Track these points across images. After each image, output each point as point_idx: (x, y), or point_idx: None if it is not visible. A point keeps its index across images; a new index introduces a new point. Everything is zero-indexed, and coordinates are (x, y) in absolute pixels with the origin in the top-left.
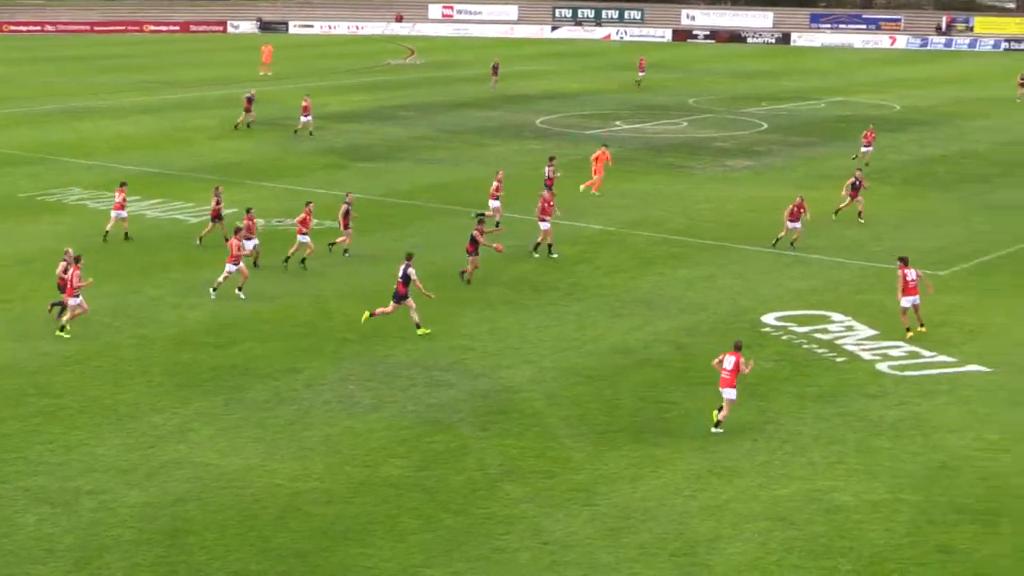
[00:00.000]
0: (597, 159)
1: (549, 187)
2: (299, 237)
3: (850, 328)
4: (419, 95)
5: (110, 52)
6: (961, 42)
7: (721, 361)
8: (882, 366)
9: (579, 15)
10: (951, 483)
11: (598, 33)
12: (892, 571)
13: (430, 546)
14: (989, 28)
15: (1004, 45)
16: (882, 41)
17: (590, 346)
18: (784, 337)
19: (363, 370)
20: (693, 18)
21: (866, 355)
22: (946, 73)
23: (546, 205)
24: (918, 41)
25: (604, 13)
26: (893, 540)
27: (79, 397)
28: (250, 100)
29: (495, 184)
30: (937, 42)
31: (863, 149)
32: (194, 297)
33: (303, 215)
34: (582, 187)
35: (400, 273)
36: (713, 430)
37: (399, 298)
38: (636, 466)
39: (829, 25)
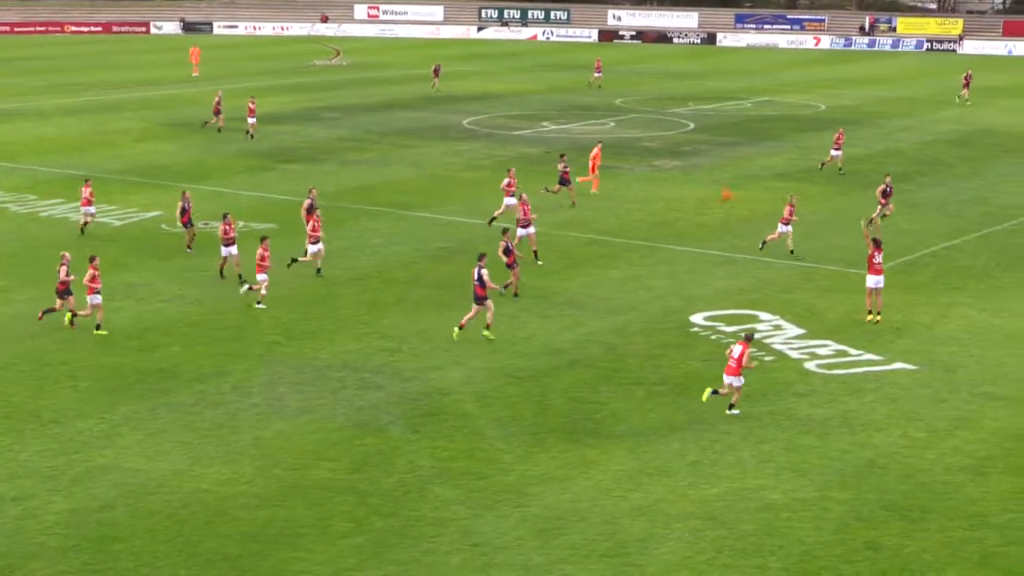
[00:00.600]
0: (594, 157)
1: (566, 182)
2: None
3: (778, 327)
4: (345, 96)
5: (30, 54)
6: (884, 42)
7: (731, 351)
8: (810, 365)
9: (505, 16)
10: (879, 480)
11: (524, 33)
12: (821, 569)
13: (361, 549)
14: (911, 28)
15: (926, 45)
16: (806, 41)
17: (520, 347)
18: (713, 337)
19: (292, 373)
20: (619, 19)
21: (794, 354)
22: (870, 73)
23: (527, 208)
24: (842, 41)
25: (530, 14)
26: (822, 538)
27: (1, 403)
28: (219, 103)
29: (507, 180)
30: (861, 42)
31: (833, 152)
32: (118, 300)
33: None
34: (579, 179)
35: (475, 276)
36: (728, 411)
37: (479, 300)
38: (567, 467)
39: (754, 25)
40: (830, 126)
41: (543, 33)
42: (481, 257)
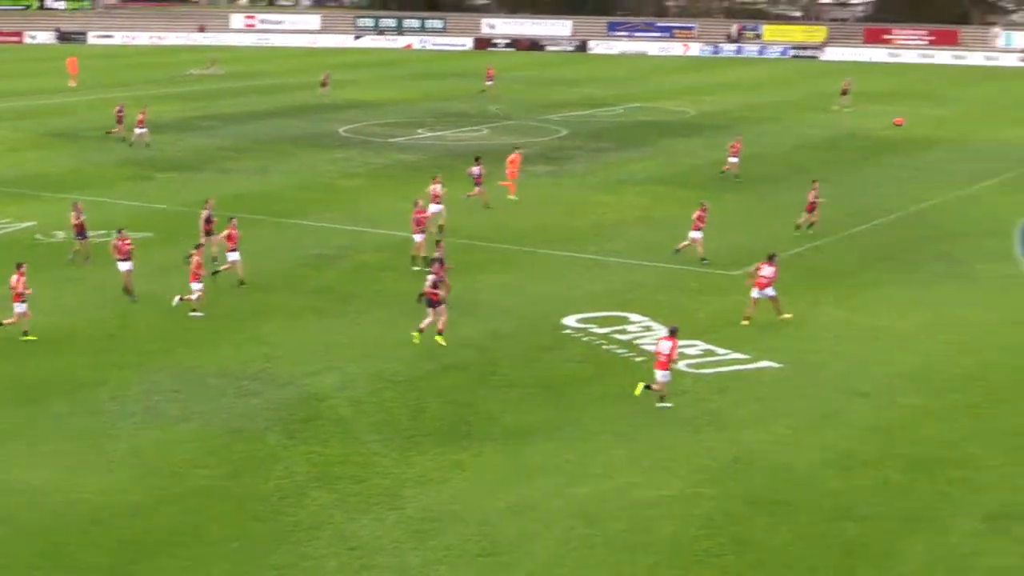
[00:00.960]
0: (512, 162)
1: (479, 185)
2: (228, 255)
3: (648, 328)
4: (223, 105)
5: None
6: (751, 49)
7: (659, 347)
8: (679, 365)
9: (381, 25)
10: (745, 476)
11: (400, 42)
12: (690, 563)
13: (238, 554)
14: (777, 36)
15: (791, 52)
16: (676, 49)
17: (396, 352)
18: (585, 339)
19: (170, 381)
20: (493, 27)
21: None
22: (737, 79)
23: (420, 217)
24: (710, 48)
25: (406, 22)
26: (690, 533)
27: None
28: (120, 111)
29: (432, 187)
30: (728, 49)
31: (730, 160)
32: None
33: (228, 230)
34: (500, 184)
35: (428, 283)
36: (659, 405)
37: (432, 304)
38: (442, 469)
39: (625, 33)
40: (699, 131)
41: (419, 42)
42: (432, 263)
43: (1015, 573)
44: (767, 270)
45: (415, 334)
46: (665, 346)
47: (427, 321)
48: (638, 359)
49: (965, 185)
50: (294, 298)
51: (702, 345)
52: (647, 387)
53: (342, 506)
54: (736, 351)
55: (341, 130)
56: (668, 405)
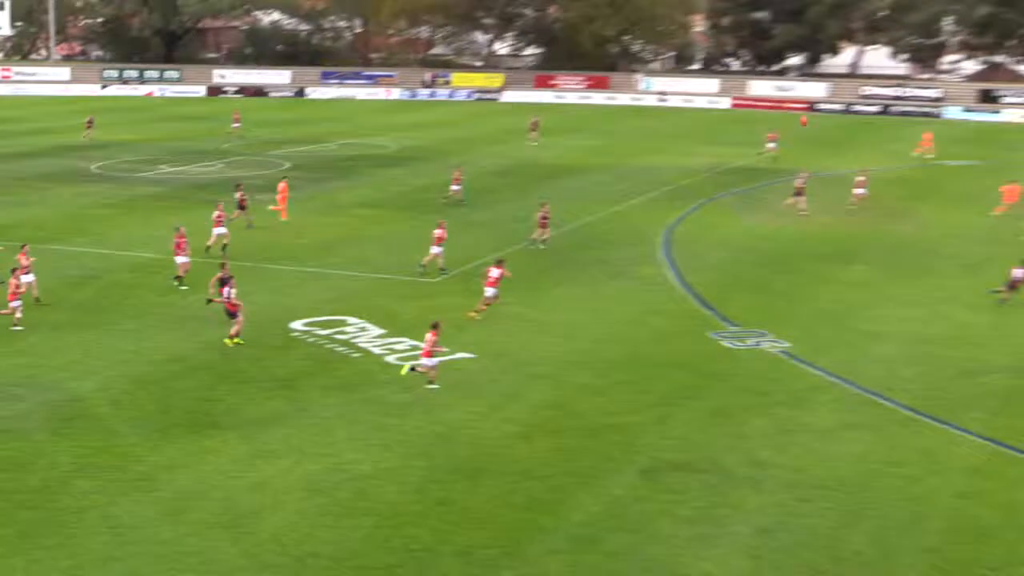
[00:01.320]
0: (282, 190)
1: (243, 207)
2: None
3: (363, 329)
4: None
5: None
6: (442, 93)
7: (427, 338)
8: (390, 358)
9: (125, 75)
10: (448, 449)
11: (142, 90)
12: (404, 524)
13: (8, 539)
14: (463, 82)
15: (475, 95)
16: (380, 93)
17: (148, 356)
18: (310, 340)
19: None
20: (224, 76)
21: (377, 350)
22: (432, 118)
23: (181, 240)
24: (408, 93)
25: (147, 73)
26: (404, 498)
27: None
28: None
29: (216, 212)
30: (424, 93)
31: (453, 188)
32: None
33: (19, 256)
34: (270, 208)
35: (224, 295)
36: (427, 386)
37: (231, 315)
38: (191, 455)
39: (336, 80)
40: (401, 163)
41: (159, 90)
42: (228, 280)
43: (663, 515)
44: (495, 272)
45: (227, 341)
46: (428, 338)
47: (235, 330)
48: (355, 355)
49: (618, 202)
50: (56, 314)
51: (409, 341)
52: (412, 368)
53: (104, 492)
54: (438, 345)
55: (93, 167)
56: (435, 387)
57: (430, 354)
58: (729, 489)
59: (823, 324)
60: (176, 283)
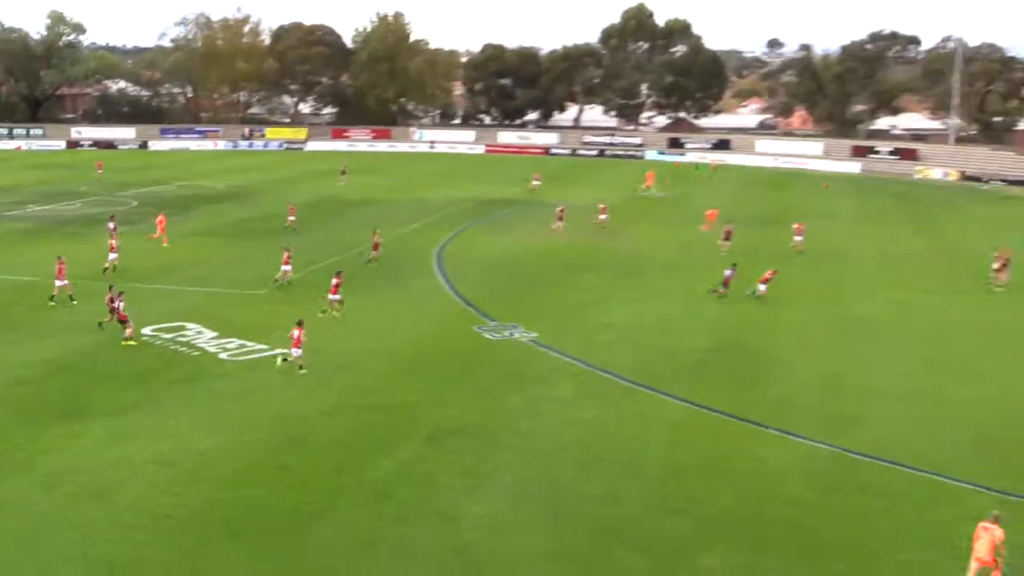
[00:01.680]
0: (160, 222)
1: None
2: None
3: (200, 332)
4: None
5: None
6: (259, 144)
7: (293, 333)
8: (223, 355)
9: None
10: (274, 426)
11: (12, 144)
12: (240, 487)
13: None
14: (275, 135)
15: (285, 145)
16: (208, 145)
17: (24, 359)
18: (158, 343)
19: None
20: (80, 132)
21: (212, 349)
22: (251, 164)
23: (62, 267)
24: (231, 144)
25: (15, 131)
26: (239, 467)
27: None
28: None
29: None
30: (243, 144)
31: (290, 218)
32: None
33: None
34: (150, 237)
35: (115, 307)
36: (299, 371)
37: (123, 323)
38: (62, 439)
39: (173, 135)
40: (227, 199)
41: (26, 144)
42: (119, 294)
43: (443, 472)
44: (335, 281)
45: (123, 343)
46: (295, 332)
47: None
48: (195, 354)
49: (401, 227)
50: None
51: (238, 341)
52: (284, 359)
53: None
54: (260, 343)
55: None
56: (304, 371)
57: (298, 345)
58: (493, 450)
59: (562, 318)
60: (51, 302)
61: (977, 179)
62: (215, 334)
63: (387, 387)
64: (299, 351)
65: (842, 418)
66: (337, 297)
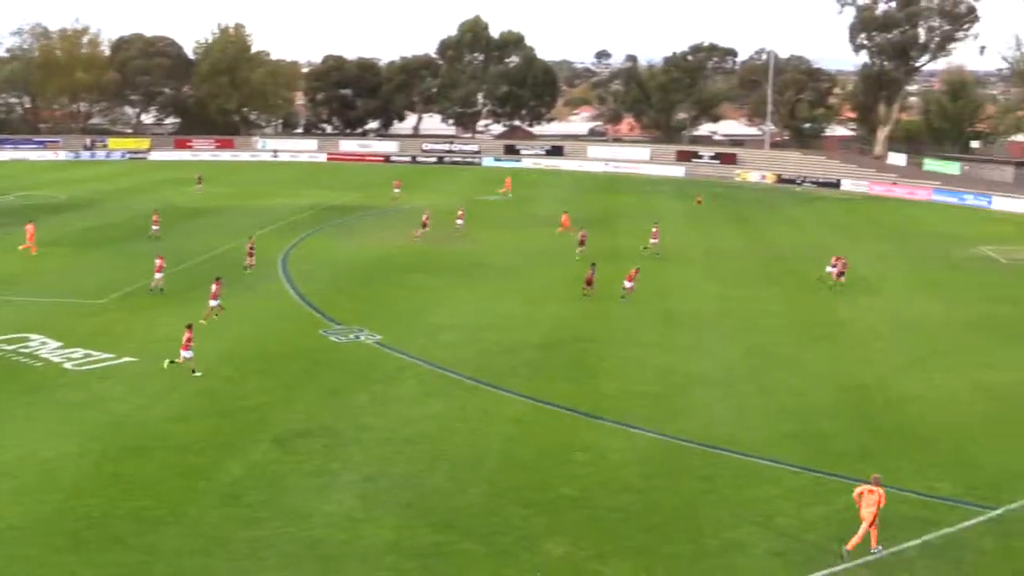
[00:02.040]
0: (30, 232)
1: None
2: None
3: (44, 343)
4: None
5: None
6: (101, 154)
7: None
8: (68, 365)
9: None
10: (119, 433)
11: None
12: (84, 495)
13: None
14: (118, 145)
15: (128, 155)
16: (49, 155)
17: None
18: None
19: None
20: None
21: (56, 359)
22: (93, 174)
23: None
24: (73, 154)
25: None
26: (83, 475)
27: None
28: None
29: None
30: (85, 154)
31: (154, 227)
32: None
33: None
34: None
35: None
36: (192, 374)
37: None
38: None
39: (11, 146)
40: (70, 209)
41: None
42: None
43: (292, 472)
44: (214, 287)
45: None
46: (185, 335)
47: None
48: (38, 364)
49: (246, 234)
50: None
51: (83, 351)
52: (172, 362)
53: None
54: (107, 352)
55: None
56: (199, 374)
57: (187, 348)
58: (341, 448)
59: (405, 319)
60: None
61: (792, 181)
62: (59, 344)
63: (234, 391)
64: (189, 353)
65: (672, 407)
66: (216, 303)
